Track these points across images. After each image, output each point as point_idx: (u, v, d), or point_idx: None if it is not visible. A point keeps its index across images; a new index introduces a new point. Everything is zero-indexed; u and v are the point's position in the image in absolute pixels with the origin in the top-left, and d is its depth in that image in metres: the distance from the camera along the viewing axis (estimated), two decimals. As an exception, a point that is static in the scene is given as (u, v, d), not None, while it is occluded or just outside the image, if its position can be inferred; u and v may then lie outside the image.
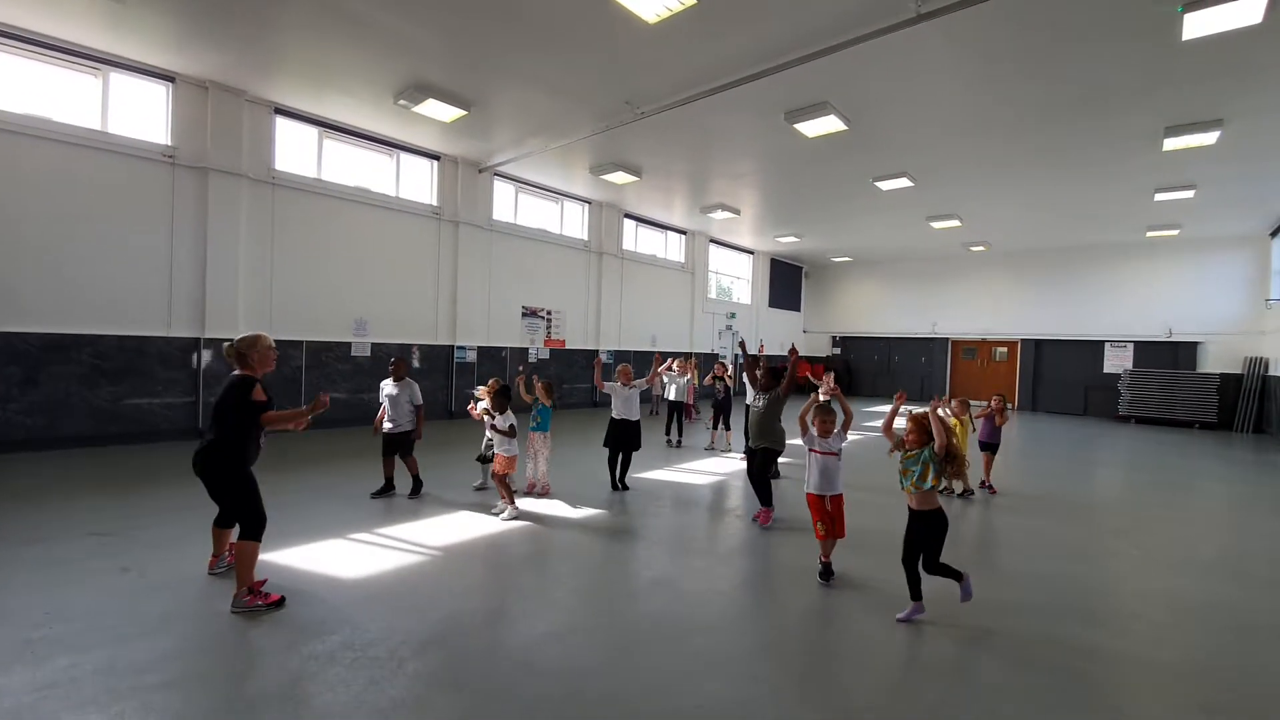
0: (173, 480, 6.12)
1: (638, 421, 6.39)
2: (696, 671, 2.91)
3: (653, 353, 15.50)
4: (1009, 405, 6.93)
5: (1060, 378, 17.44)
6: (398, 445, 5.77)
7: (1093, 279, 16.88)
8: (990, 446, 6.92)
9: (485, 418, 5.73)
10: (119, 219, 7.62)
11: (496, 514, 5.29)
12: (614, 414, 6.37)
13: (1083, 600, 3.97)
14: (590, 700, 2.64)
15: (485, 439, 5.96)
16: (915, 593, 3.55)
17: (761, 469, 5.38)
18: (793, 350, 5.40)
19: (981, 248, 17.28)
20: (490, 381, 5.94)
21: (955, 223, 14.04)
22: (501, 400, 5.27)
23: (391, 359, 6.03)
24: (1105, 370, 16.68)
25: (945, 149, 9.49)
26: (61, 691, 2.54)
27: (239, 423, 3.44)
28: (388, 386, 5.80)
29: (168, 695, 2.55)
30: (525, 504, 5.71)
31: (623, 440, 6.34)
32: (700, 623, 3.46)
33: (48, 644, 2.89)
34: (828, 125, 8.35)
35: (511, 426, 5.24)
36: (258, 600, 3.34)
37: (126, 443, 7.66)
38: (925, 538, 3.47)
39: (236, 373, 3.53)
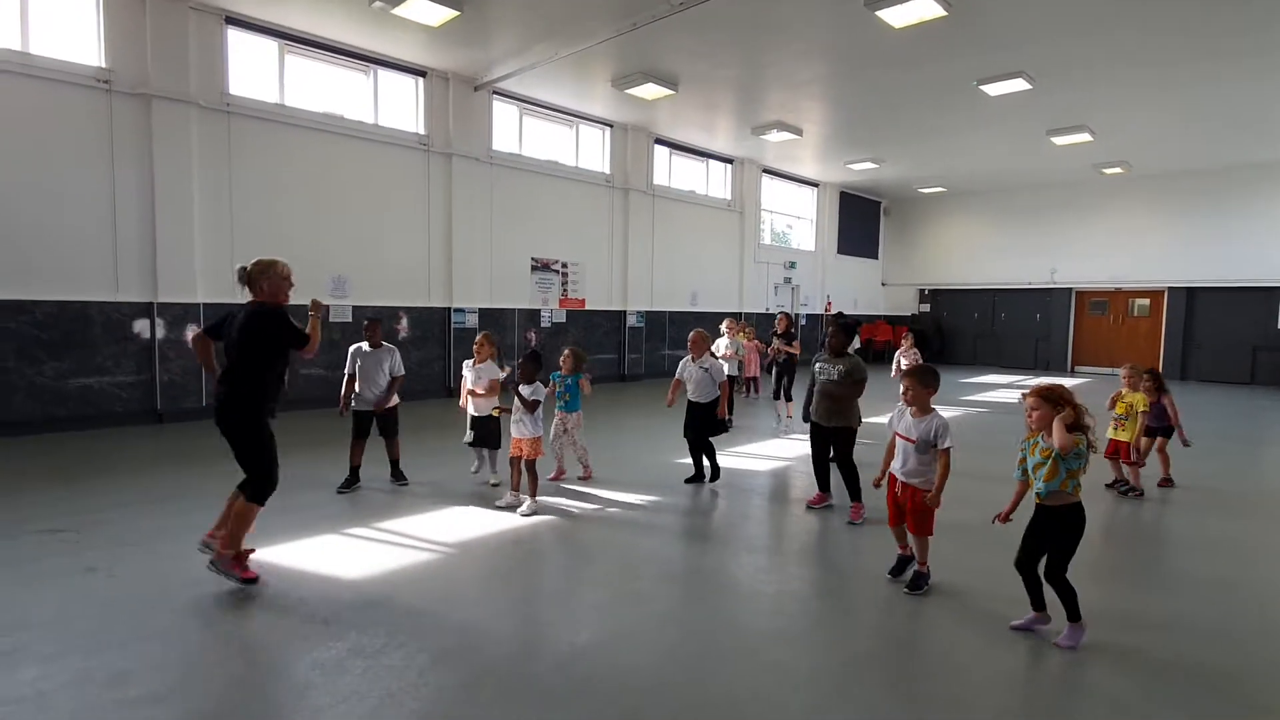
0: (134, 469, 6.38)
1: (712, 404, 6.24)
2: (776, 687, 2.94)
3: (692, 313, 15.41)
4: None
5: (1219, 337, 16.79)
6: (371, 424, 5.80)
7: (1267, 208, 16.06)
8: (1167, 430, 6.51)
9: (474, 389, 5.84)
10: (48, 159, 7.81)
11: (505, 505, 5.36)
12: (688, 394, 6.34)
13: (1256, 614, 3.87)
14: (650, 719, 2.69)
15: (471, 416, 6.02)
16: (1037, 601, 3.44)
17: (844, 457, 5.34)
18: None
19: (1118, 170, 16.57)
20: (480, 336, 6.00)
21: (1085, 137, 13.47)
22: (532, 368, 5.33)
23: (366, 320, 6.07)
24: (1280, 326, 16.01)
25: (1073, 39, 9.02)
26: (30, 707, 2.69)
27: (267, 362, 3.75)
28: (362, 352, 5.78)
29: (155, 710, 2.68)
30: (555, 491, 5.81)
31: (695, 426, 6.24)
32: (776, 632, 3.49)
33: (9, 654, 3.06)
34: (921, 11, 8.04)
35: (536, 401, 5.27)
36: (236, 569, 3.67)
37: (76, 428, 8.00)
38: (1052, 537, 3.31)
39: (254, 305, 3.78)
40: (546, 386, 5.70)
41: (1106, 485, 6.35)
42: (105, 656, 3.05)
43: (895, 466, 4.02)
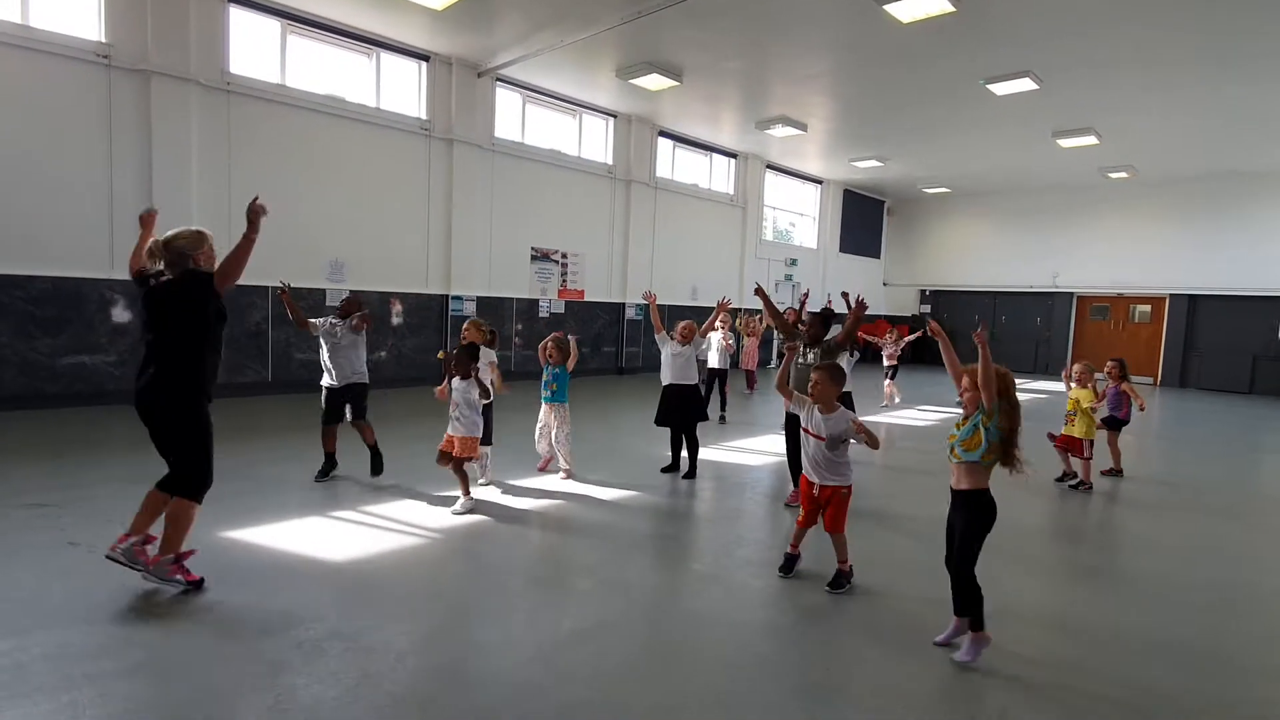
0: (123, 447, 6.35)
1: (695, 386, 6.22)
2: (761, 679, 2.91)
3: (692, 308, 15.35)
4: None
5: (1220, 344, 16.76)
6: (344, 404, 5.52)
7: (1273, 216, 16.00)
8: (1118, 423, 6.87)
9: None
10: (45, 133, 7.76)
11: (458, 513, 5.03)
12: (664, 379, 6.22)
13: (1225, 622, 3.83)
14: (634, 710, 2.66)
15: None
16: (958, 606, 3.18)
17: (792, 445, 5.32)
18: (859, 303, 5.29)
19: (1124, 174, 16.50)
20: (467, 324, 5.71)
21: (1090, 140, 13.40)
22: (466, 361, 5.00)
23: (342, 298, 5.78)
24: (1282, 335, 15.97)
25: (1083, 38, 8.96)
26: (5, 678, 2.66)
27: (201, 337, 3.35)
28: (329, 324, 5.56)
29: (129, 683, 2.66)
30: (542, 482, 5.81)
31: (679, 411, 6.13)
32: (763, 625, 3.47)
33: (-13, 624, 3.04)
34: (929, 5, 7.98)
35: (487, 386, 5.09)
36: (178, 574, 3.38)
37: (68, 404, 7.96)
38: (959, 525, 3.12)
39: (180, 273, 3.36)
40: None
41: (1056, 479, 6.50)
42: (82, 631, 3.02)
43: (805, 466, 3.98)
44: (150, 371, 3.36)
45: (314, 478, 5.51)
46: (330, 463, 5.60)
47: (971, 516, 3.09)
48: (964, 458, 3.08)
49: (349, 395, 5.58)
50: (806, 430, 3.92)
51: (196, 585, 3.42)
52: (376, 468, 5.60)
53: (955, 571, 3.13)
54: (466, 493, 5.04)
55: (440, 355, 5.93)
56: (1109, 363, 6.83)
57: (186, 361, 3.36)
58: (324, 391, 5.60)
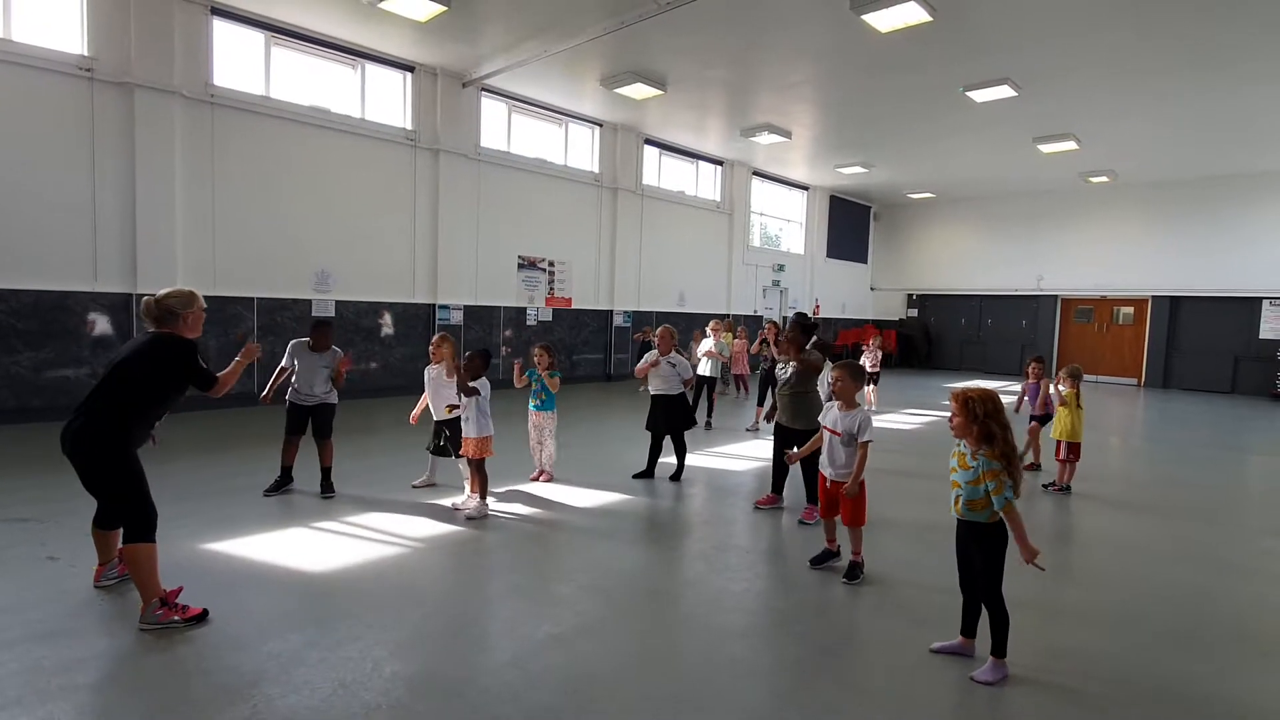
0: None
1: (680, 395, 6.37)
2: (733, 682, 2.95)
3: (679, 314, 15.43)
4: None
5: (1202, 346, 16.97)
6: (308, 420, 5.45)
7: (1252, 219, 16.23)
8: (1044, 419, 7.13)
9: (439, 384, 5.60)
10: (28, 146, 7.75)
11: (458, 508, 5.15)
12: (650, 389, 6.47)
13: (1213, 624, 3.90)
14: (604, 714, 2.69)
15: (435, 424, 5.71)
16: (967, 625, 3.22)
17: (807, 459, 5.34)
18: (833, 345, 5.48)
19: (1104, 179, 16.72)
20: (436, 339, 5.75)
21: (1070, 145, 13.58)
22: (480, 364, 5.11)
23: (313, 321, 5.72)
24: (1262, 336, 16.17)
25: (1060, 46, 9.10)
26: (-18, 692, 2.67)
27: (151, 396, 3.34)
28: (300, 351, 5.46)
29: (104, 696, 2.68)
30: (525, 487, 5.84)
31: (663, 420, 6.35)
32: (739, 628, 3.50)
33: (-36, 639, 3.04)
34: (906, 15, 8.08)
35: (474, 389, 5.06)
36: (174, 614, 3.22)
37: (52, 418, 7.90)
38: (973, 554, 3.09)
39: (161, 332, 3.39)
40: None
41: (1043, 485, 6.58)
42: (58, 645, 3.03)
43: (823, 462, 4.16)
44: (80, 420, 3.26)
45: (264, 491, 5.42)
46: (286, 477, 5.52)
47: (988, 547, 3.04)
48: (968, 517, 3.05)
49: (316, 413, 5.49)
50: (827, 429, 4.12)
51: (199, 619, 3.27)
52: (326, 489, 5.48)
53: (986, 600, 3.07)
54: (483, 495, 5.14)
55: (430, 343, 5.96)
56: (1032, 363, 7.33)
57: (120, 415, 3.27)
58: (289, 405, 5.48)
